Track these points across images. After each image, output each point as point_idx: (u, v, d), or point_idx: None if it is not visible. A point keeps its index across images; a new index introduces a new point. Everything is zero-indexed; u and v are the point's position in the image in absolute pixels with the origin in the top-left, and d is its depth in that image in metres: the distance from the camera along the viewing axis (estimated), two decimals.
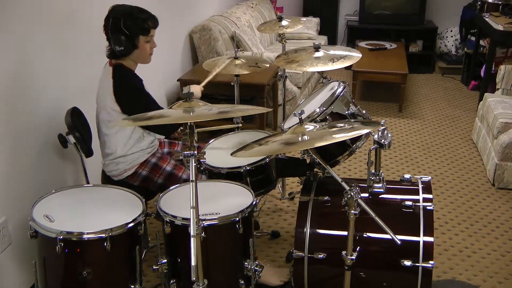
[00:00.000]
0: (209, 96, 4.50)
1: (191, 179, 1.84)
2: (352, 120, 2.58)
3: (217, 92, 4.55)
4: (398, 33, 7.55)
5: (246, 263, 2.41)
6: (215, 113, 1.93)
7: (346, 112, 2.62)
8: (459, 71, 7.18)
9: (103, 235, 2.17)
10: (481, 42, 6.42)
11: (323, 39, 7.08)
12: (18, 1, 2.66)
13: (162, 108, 2.80)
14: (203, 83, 3.19)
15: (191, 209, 1.82)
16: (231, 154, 2.17)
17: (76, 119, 2.85)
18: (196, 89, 3.11)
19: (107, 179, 2.87)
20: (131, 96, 2.72)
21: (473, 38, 6.72)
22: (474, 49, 6.52)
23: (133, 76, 2.76)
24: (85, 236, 2.16)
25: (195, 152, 1.87)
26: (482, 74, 5.95)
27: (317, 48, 2.77)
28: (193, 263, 1.78)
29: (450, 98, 6.35)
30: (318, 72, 2.85)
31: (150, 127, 2.81)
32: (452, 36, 7.44)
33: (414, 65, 7.17)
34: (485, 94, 4.86)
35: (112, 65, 2.73)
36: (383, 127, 2.39)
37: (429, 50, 7.55)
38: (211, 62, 3.35)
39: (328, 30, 7.72)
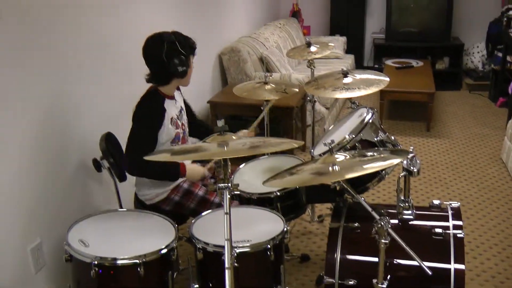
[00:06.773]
0: (238, 117, 4.57)
1: (224, 211, 1.87)
2: (381, 149, 2.59)
3: (245, 114, 4.61)
4: (424, 50, 7.54)
5: None
6: (247, 149, 1.98)
7: (375, 139, 2.64)
8: (486, 87, 7.11)
9: (137, 260, 2.21)
10: (508, 58, 6.37)
11: (350, 58, 7.11)
12: (61, 26, 2.78)
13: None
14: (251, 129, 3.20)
15: (225, 241, 1.85)
16: (263, 183, 2.20)
17: (110, 144, 2.93)
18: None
19: (139, 203, 2.93)
20: (134, 121, 2.74)
21: (500, 54, 6.67)
22: (501, 65, 6.46)
23: (156, 104, 2.74)
24: (119, 262, 2.22)
25: (229, 184, 1.91)
26: (509, 90, 5.89)
27: (345, 74, 2.80)
28: None
29: (478, 115, 6.30)
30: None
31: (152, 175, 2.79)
32: (478, 52, 7.40)
33: (441, 82, 7.10)
34: None
35: (150, 88, 2.81)
36: (411, 154, 2.40)
37: (456, 67, 7.53)
38: (242, 87, 3.39)
39: (355, 48, 7.75)
